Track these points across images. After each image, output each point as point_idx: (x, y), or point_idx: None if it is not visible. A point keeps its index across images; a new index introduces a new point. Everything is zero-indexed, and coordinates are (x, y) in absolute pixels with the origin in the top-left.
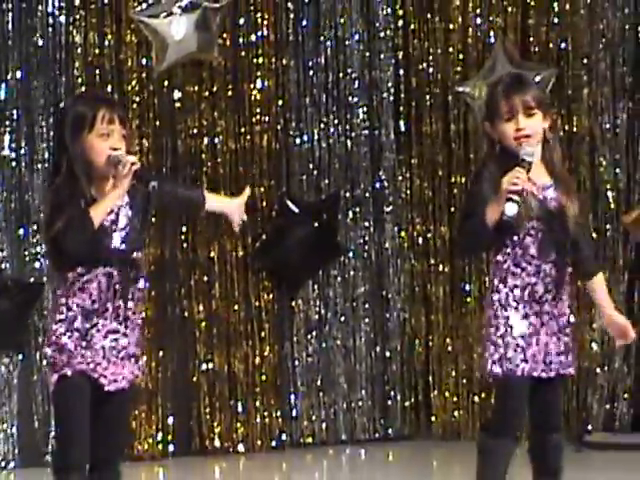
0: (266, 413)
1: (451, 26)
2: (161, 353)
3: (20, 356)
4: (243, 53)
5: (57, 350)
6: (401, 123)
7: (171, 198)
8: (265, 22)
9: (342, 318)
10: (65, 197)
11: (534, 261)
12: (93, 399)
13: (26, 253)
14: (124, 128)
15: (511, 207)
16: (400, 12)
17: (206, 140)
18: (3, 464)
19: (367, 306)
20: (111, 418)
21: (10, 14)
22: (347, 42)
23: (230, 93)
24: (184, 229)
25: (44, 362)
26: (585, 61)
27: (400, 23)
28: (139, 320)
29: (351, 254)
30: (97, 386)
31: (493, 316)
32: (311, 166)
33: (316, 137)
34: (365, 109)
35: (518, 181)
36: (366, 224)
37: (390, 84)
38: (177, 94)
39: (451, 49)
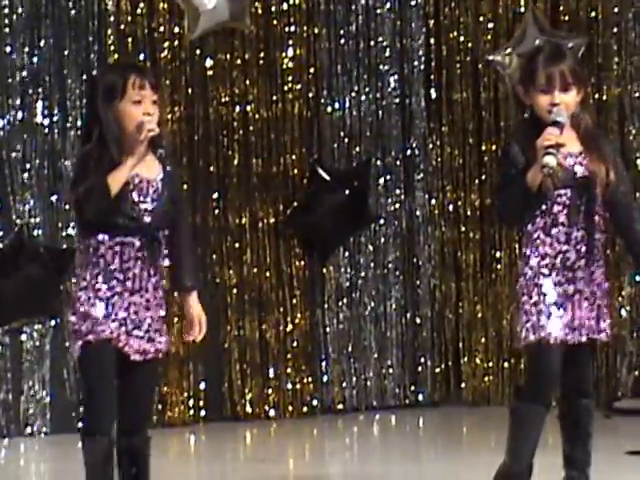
0: (297, 379)
1: None
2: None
3: (52, 322)
4: (275, 21)
5: (81, 318)
6: (432, 91)
7: (171, 244)
8: None
9: (373, 285)
10: (92, 164)
11: (564, 229)
12: (119, 367)
13: (59, 219)
14: (155, 94)
15: (550, 159)
16: None
17: (238, 108)
18: (35, 430)
19: (397, 273)
20: (138, 386)
21: None
22: (378, 10)
23: (262, 61)
24: (215, 196)
25: (69, 329)
26: (615, 30)
27: None
28: (161, 298)
29: (382, 221)
30: (123, 355)
31: (525, 285)
32: (342, 134)
33: (347, 105)
34: (396, 77)
35: (551, 137)
36: (397, 191)
37: (421, 52)
38: (209, 62)
39: (482, 18)
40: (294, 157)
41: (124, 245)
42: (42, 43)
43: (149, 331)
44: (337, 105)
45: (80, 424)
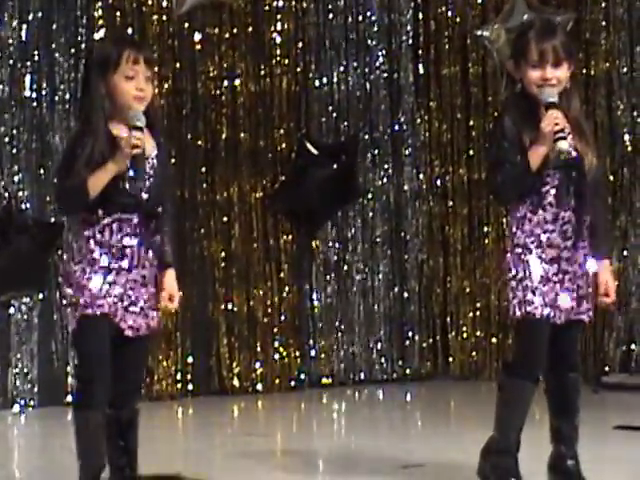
0: (285, 353)
1: None
2: (180, 293)
3: (40, 296)
4: None
5: (79, 290)
6: (420, 66)
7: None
8: None
9: (361, 259)
10: (79, 152)
11: (552, 209)
12: (112, 341)
13: (47, 193)
14: (150, 70)
15: (564, 144)
16: None
17: (226, 82)
18: (23, 403)
19: (386, 247)
20: (129, 360)
21: None
22: None
23: (250, 36)
24: (203, 170)
25: (64, 302)
26: (603, 5)
27: None
28: (154, 274)
29: (370, 196)
30: (117, 329)
31: (512, 261)
32: (330, 108)
33: (335, 80)
34: (384, 52)
35: (558, 120)
36: (385, 166)
37: (409, 27)
38: (197, 36)
39: None
40: (282, 131)
41: (122, 222)
42: (30, 17)
43: (144, 307)
44: (325, 80)
45: (73, 397)
